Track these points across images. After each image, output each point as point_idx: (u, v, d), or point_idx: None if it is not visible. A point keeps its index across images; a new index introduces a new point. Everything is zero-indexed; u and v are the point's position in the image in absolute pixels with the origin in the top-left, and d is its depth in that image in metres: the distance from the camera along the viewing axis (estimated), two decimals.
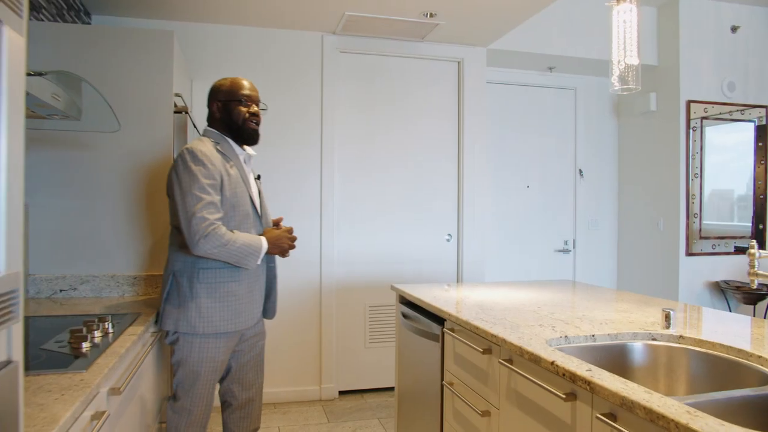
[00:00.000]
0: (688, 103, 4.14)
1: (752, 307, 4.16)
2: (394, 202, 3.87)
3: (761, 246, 4.32)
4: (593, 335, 1.64)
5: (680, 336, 1.63)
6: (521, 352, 1.48)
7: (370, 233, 3.84)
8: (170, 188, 1.96)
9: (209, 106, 2.10)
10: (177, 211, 1.88)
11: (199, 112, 3.48)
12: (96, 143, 2.41)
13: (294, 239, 2.13)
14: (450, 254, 4.00)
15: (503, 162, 4.48)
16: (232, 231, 1.91)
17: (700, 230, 4.19)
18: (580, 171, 4.68)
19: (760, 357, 1.40)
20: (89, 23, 3.28)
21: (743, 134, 4.32)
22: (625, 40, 1.99)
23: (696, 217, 4.18)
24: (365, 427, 3.24)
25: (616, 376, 1.21)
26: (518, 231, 4.53)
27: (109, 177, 2.43)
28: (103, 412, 1.24)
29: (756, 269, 1.32)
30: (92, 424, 1.21)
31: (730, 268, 4.28)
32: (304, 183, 3.68)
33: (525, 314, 1.96)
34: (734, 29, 4.23)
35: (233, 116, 2.04)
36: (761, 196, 4.33)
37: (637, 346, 1.63)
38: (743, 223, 4.33)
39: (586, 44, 4.16)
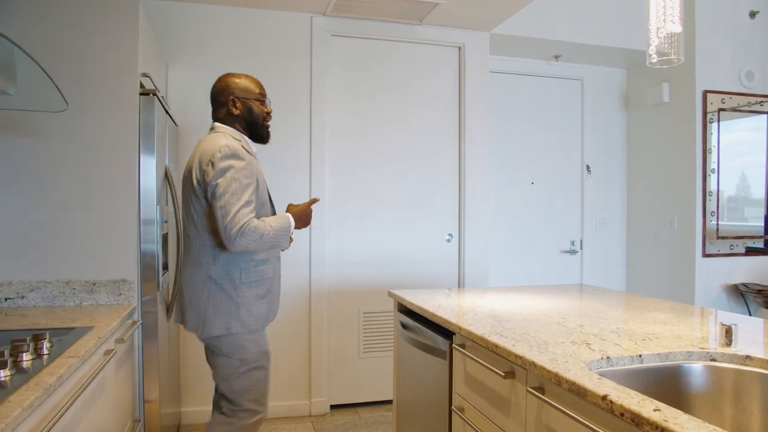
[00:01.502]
0: (705, 93, 3.86)
1: None
2: (390, 199, 3.56)
3: None
4: (640, 355, 1.33)
5: (747, 356, 1.33)
6: (558, 380, 1.17)
7: (365, 232, 3.52)
8: (202, 188, 1.90)
9: (222, 100, 2.02)
10: (215, 211, 1.85)
11: (176, 99, 3.15)
12: (44, 126, 2.07)
13: (310, 206, 2.13)
14: (451, 255, 3.69)
15: (506, 156, 4.18)
16: (261, 219, 1.90)
17: (718, 230, 3.91)
18: (588, 167, 4.39)
19: None
20: None
21: (762, 126, 4.04)
22: (666, 3, 1.69)
23: (713, 216, 3.90)
24: None
25: (699, 421, 0.90)
26: (522, 230, 4.23)
27: (61, 165, 2.10)
28: None
29: None
30: None
31: (749, 269, 4.01)
32: (292, 178, 3.35)
33: (550, 327, 1.66)
34: (753, 14, 3.96)
35: (254, 114, 2.06)
36: None
37: (696, 369, 1.33)
38: (756, 223, 4.06)
39: (593, 30, 3.88)
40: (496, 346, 1.44)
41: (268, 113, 2.12)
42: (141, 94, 2.21)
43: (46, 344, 1.43)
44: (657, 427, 0.90)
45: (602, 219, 4.43)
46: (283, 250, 2.08)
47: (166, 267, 2.52)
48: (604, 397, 1.03)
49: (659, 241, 4.17)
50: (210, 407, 3.09)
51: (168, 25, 3.15)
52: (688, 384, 1.33)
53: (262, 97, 2.08)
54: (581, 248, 4.39)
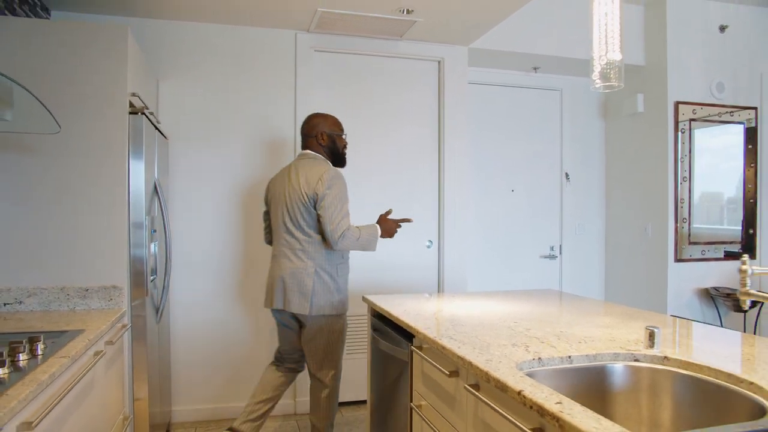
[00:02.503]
0: (677, 104, 4.02)
1: (743, 315, 4.05)
2: (373, 208, 3.72)
3: (751, 251, 4.21)
4: (569, 356, 1.49)
5: (665, 357, 1.49)
6: (488, 378, 1.33)
7: None
8: (312, 201, 2.50)
9: (313, 134, 2.67)
10: (323, 219, 2.46)
11: (167, 114, 3.32)
12: (40, 145, 2.24)
13: (398, 223, 2.72)
14: (431, 261, 3.85)
15: (487, 165, 4.34)
16: (358, 228, 2.55)
17: (689, 235, 4.07)
18: (567, 174, 4.55)
19: (751, 383, 1.26)
20: (47, 19, 3.11)
21: (732, 136, 4.20)
22: (607, 34, 1.86)
23: (685, 222, 4.06)
24: None
25: (590, 412, 1.06)
26: (503, 236, 4.39)
27: (56, 181, 2.26)
28: None
29: (748, 288, 1.18)
30: None
31: (721, 274, 4.16)
32: None
33: (499, 330, 1.82)
34: (722, 29, 4.12)
35: (336, 145, 2.71)
36: (751, 200, 4.22)
37: (618, 369, 1.49)
38: (733, 227, 4.22)
39: (570, 44, 4.03)
40: (444, 347, 1.61)
41: (345, 145, 2.75)
42: (130, 113, 2.37)
43: (40, 346, 1.60)
44: (554, 417, 1.06)
45: (581, 225, 4.59)
46: (372, 251, 2.68)
47: (155, 272, 2.68)
48: (519, 392, 1.19)
49: (635, 247, 4.33)
50: (199, 406, 3.27)
51: (159, 42, 3.31)
52: (612, 382, 1.49)
53: (341, 132, 2.71)
54: (560, 253, 4.55)
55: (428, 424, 1.74)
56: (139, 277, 2.42)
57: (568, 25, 4.02)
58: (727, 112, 4.15)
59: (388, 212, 2.74)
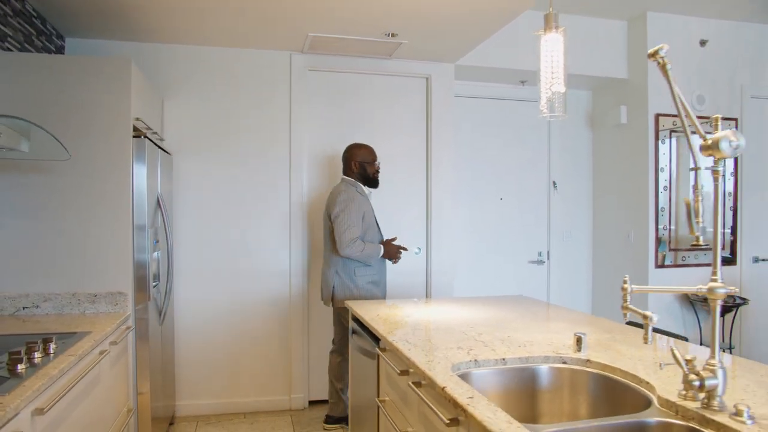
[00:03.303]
0: (657, 116, 4.19)
1: (721, 319, 4.20)
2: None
3: (733, 256, 4.36)
4: (504, 359, 1.72)
5: (588, 360, 1.70)
6: (424, 376, 1.57)
7: None
8: (331, 217, 3.16)
9: (349, 162, 3.31)
10: (334, 231, 3.13)
11: (171, 131, 3.59)
12: (54, 168, 2.52)
13: (400, 251, 3.33)
14: (420, 266, 4.08)
15: (476, 174, 4.55)
16: (364, 242, 3.15)
17: (670, 242, 4.24)
18: (554, 183, 4.74)
19: (648, 383, 1.48)
20: (62, 46, 3.41)
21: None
22: (552, 69, 2.07)
23: (665, 230, 4.22)
24: None
25: (492, 405, 1.29)
26: (492, 242, 4.60)
27: (68, 198, 2.54)
28: None
29: (628, 303, 1.40)
30: None
31: (701, 280, 4.31)
32: (274, 199, 3.78)
33: (454, 335, 2.04)
34: (703, 43, 4.28)
35: (367, 171, 3.31)
36: (731, 208, 4.37)
37: (544, 370, 1.71)
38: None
39: None
40: (397, 349, 1.84)
41: (377, 170, 3.35)
42: (134, 136, 2.64)
43: (53, 345, 1.86)
44: (463, 409, 1.29)
45: (568, 232, 4.78)
46: (370, 264, 3.27)
47: (158, 279, 2.95)
48: (443, 388, 1.42)
49: (619, 253, 4.51)
50: (202, 401, 3.53)
51: (164, 65, 3.59)
52: (540, 381, 1.71)
53: (373, 161, 3.32)
54: (548, 259, 4.74)
55: (388, 417, 1.97)
56: (142, 283, 2.69)
57: None
58: (706, 123, 4.30)
59: (393, 239, 3.33)
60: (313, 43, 3.57)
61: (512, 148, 4.64)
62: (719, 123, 1.36)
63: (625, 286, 1.36)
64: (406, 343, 1.90)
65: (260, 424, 3.53)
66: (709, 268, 4.43)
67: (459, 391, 1.39)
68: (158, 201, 2.98)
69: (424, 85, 4.09)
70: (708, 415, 1.23)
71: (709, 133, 1.34)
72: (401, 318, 2.38)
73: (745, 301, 4.07)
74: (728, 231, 4.42)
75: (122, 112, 2.59)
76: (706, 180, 1.35)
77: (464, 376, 1.63)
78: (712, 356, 1.27)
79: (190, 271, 3.63)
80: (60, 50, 3.37)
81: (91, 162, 2.56)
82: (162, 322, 3.08)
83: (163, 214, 3.02)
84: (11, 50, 2.70)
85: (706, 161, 1.40)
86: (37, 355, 1.77)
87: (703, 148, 1.36)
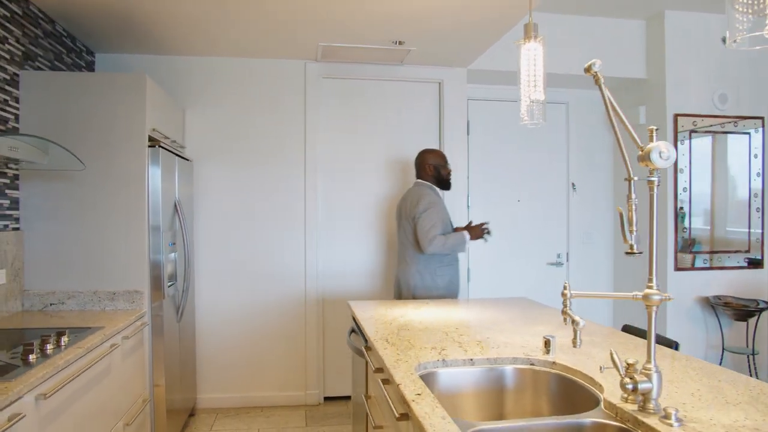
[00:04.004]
0: (675, 116, 4.11)
1: (744, 323, 4.09)
2: (379, 221, 4.07)
3: (762, 258, 4.23)
4: (471, 359, 1.79)
5: (553, 362, 1.75)
6: (389, 375, 1.66)
7: (357, 249, 4.05)
8: (412, 219, 3.27)
9: (422, 166, 3.40)
10: (417, 232, 3.22)
11: (192, 138, 3.81)
12: (76, 176, 2.74)
13: (482, 226, 3.35)
14: None
15: (492, 176, 4.57)
16: (445, 236, 3.21)
17: (691, 245, 4.15)
18: (573, 184, 4.70)
19: (600, 385, 1.52)
20: (92, 61, 3.67)
21: (737, 147, 4.23)
22: (534, 77, 2.11)
23: (685, 232, 4.14)
24: None
25: (436, 402, 1.37)
26: (509, 244, 4.61)
27: (89, 204, 2.77)
28: (18, 414, 1.52)
29: (567, 308, 1.44)
30: (9, 424, 1.49)
31: (725, 282, 4.21)
32: (290, 202, 3.94)
33: (435, 335, 2.12)
34: (724, 40, 4.15)
35: (441, 174, 3.41)
36: (757, 209, 4.23)
37: (508, 370, 1.77)
38: (738, 237, 4.25)
39: (569, 61, 4.20)
40: (374, 348, 1.94)
41: (449, 172, 3.43)
42: (149, 146, 2.84)
43: (64, 339, 2.06)
44: (408, 404, 1.38)
45: (588, 233, 4.73)
46: (462, 251, 3.37)
47: (175, 279, 3.16)
48: (398, 385, 1.51)
49: (639, 255, 4.43)
50: (222, 394, 3.73)
51: (184, 76, 3.81)
52: (505, 381, 1.77)
53: (445, 164, 3.41)
54: (567, 260, 4.71)
55: (370, 412, 2.07)
56: (157, 282, 2.89)
57: (563, 43, 4.20)
58: (730, 122, 4.19)
59: (470, 222, 3.43)
60: (324, 52, 3.70)
61: (529, 151, 4.64)
62: (654, 134, 1.39)
63: (565, 291, 1.41)
64: (384, 343, 2.00)
65: (276, 417, 3.69)
66: (734, 271, 4.33)
67: (410, 388, 1.47)
68: (175, 206, 3.18)
69: (436, 90, 4.16)
70: (640, 417, 1.27)
71: (736, 133, 1.38)
72: (393, 318, 2.47)
73: None
74: (756, 232, 4.28)
75: (138, 123, 2.80)
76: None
77: (429, 375, 1.71)
78: (648, 360, 1.31)
79: (211, 272, 3.84)
80: (90, 65, 3.63)
81: (110, 170, 2.78)
82: (180, 319, 3.28)
83: (180, 218, 3.22)
84: (42, 69, 2.96)
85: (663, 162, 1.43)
86: (50, 347, 1.97)
87: (639, 159, 1.40)
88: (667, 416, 1.24)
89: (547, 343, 1.83)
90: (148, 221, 2.84)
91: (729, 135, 4.21)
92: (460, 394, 1.75)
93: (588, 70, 1.40)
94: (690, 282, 4.15)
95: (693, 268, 4.15)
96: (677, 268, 4.13)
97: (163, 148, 2.93)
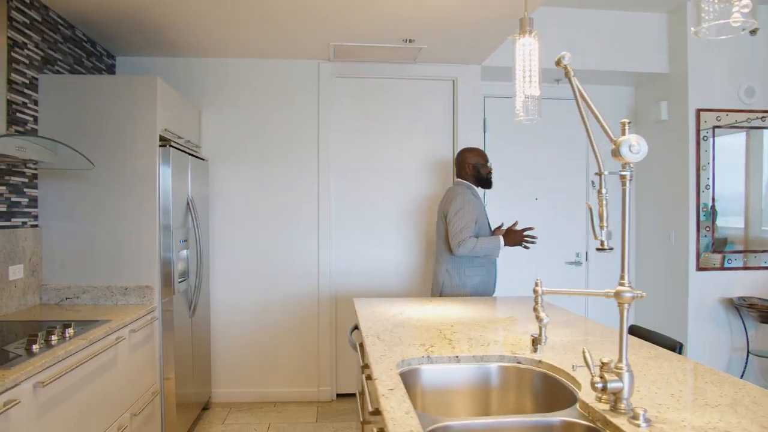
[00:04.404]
0: (698, 111, 3.97)
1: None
2: (392, 218, 4.08)
3: None
4: (457, 356, 1.78)
5: (540, 361, 1.73)
6: (370, 371, 1.67)
7: (368, 248, 4.07)
8: (445, 218, 3.20)
9: (462, 165, 3.32)
10: (448, 231, 3.14)
11: (209, 137, 3.90)
12: (89, 175, 2.85)
13: (523, 232, 3.16)
14: None
15: (510, 175, 4.52)
16: (477, 238, 3.10)
17: (713, 244, 4.01)
18: (593, 182, 4.60)
19: (580, 384, 1.50)
20: (113, 65, 3.80)
21: (751, 142, 4.06)
22: (529, 72, 2.09)
23: (708, 231, 4.00)
24: (346, 428, 3.48)
25: (405, 399, 1.38)
26: None
27: (103, 202, 2.87)
28: (13, 400, 1.60)
29: (538, 305, 1.42)
30: (3, 408, 1.57)
31: (754, 283, 4.04)
32: (303, 202, 3.99)
33: (428, 332, 2.12)
34: (753, 32, 3.99)
35: (481, 173, 3.31)
36: None
37: (493, 368, 1.76)
38: (753, 235, 4.08)
39: (590, 56, 4.12)
40: (363, 344, 1.95)
41: (489, 171, 3.32)
42: (160, 145, 2.93)
43: (70, 331, 2.15)
44: (378, 399, 1.39)
45: (608, 232, 4.61)
46: (496, 257, 3.22)
47: (187, 275, 3.24)
48: (375, 380, 1.52)
49: (660, 255, 4.31)
50: (236, 389, 3.80)
51: (200, 77, 3.90)
52: (490, 378, 1.76)
53: (484, 162, 3.32)
54: (586, 260, 4.62)
55: (360, 407, 2.09)
56: (167, 278, 2.98)
57: (582, 39, 4.11)
58: (758, 118, 4.03)
59: (514, 224, 3.25)
60: (337, 51, 3.74)
61: (547, 148, 4.56)
62: (626, 127, 1.36)
63: (537, 288, 1.39)
64: (375, 339, 2.01)
65: (288, 413, 3.75)
66: (761, 272, 4.17)
67: (385, 383, 1.48)
68: (188, 204, 3.27)
69: (450, 88, 4.14)
70: (609, 417, 1.25)
71: (765, 128, 1.35)
72: (392, 315, 2.48)
73: None
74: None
75: (149, 123, 2.89)
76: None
77: (412, 372, 1.72)
78: (620, 360, 1.29)
79: (226, 269, 3.92)
80: (111, 69, 3.76)
81: (122, 169, 2.87)
82: (193, 315, 3.37)
83: (193, 216, 3.31)
84: (62, 72, 3.08)
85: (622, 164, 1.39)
86: (54, 338, 2.05)
87: (612, 153, 1.37)
88: (635, 416, 1.21)
89: (534, 342, 1.80)
90: (159, 219, 2.93)
91: (765, 131, 4.04)
92: (444, 391, 1.75)
93: (558, 63, 1.38)
94: (714, 282, 4.01)
95: (723, 268, 4.00)
96: (699, 268, 3.99)
97: (173, 147, 3.01)
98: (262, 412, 3.74)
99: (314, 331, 3.99)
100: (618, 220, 4.64)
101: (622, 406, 1.27)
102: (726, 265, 4.04)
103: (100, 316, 2.54)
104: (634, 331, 2.44)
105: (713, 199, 4.00)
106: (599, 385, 1.26)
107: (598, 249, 1.32)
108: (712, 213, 4.05)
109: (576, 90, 1.38)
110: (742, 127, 4.02)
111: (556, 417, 1.32)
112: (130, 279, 2.90)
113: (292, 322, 3.97)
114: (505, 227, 3.30)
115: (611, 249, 1.36)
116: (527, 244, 3.17)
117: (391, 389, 1.44)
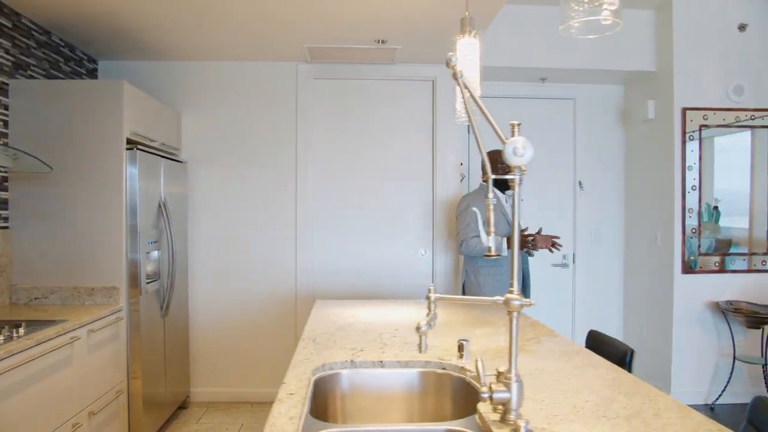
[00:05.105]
0: (684, 110, 3.87)
1: (758, 331, 3.80)
2: (372, 219, 4.06)
3: None
4: (382, 361, 1.77)
5: (462, 367, 1.71)
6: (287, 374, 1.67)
7: (348, 249, 4.07)
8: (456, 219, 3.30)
9: (482, 169, 3.31)
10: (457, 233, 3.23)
11: (188, 140, 3.94)
12: (59, 178, 2.91)
13: (526, 238, 3.15)
14: (425, 268, 4.11)
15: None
16: (478, 240, 3.07)
17: (699, 246, 3.90)
18: (580, 183, 4.53)
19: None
20: (95, 69, 3.87)
21: (756, 141, 3.94)
22: (468, 73, 2.05)
23: (694, 233, 3.89)
24: None
25: (294, 404, 1.37)
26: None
27: (72, 205, 2.93)
28: None
29: (430, 312, 1.40)
30: None
31: (739, 287, 3.93)
32: (281, 202, 4.00)
33: (368, 336, 2.11)
34: (742, 28, 3.88)
35: (499, 173, 3.13)
36: None
37: (413, 374, 1.74)
38: (740, 234, 3.96)
39: (575, 55, 4.04)
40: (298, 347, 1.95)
41: (506, 172, 3.11)
42: (127, 149, 2.97)
43: (20, 330, 2.19)
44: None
45: (596, 234, 4.54)
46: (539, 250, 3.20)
47: (158, 276, 3.28)
48: (283, 384, 1.52)
49: (647, 257, 4.22)
50: (215, 389, 3.84)
51: (182, 80, 3.95)
52: (413, 383, 1.74)
53: (495, 163, 3.18)
54: (573, 262, 4.54)
55: None
56: (134, 280, 3.02)
57: (570, 36, 4.03)
58: (748, 117, 3.91)
59: (539, 230, 3.20)
60: (312, 53, 3.74)
61: (534, 148, 4.48)
62: (516, 129, 1.33)
63: (430, 295, 1.37)
64: (310, 342, 2.00)
65: (262, 413, 3.77)
66: (751, 275, 4.05)
67: (288, 388, 1.48)
68: (160, 206, 3.31)
69: (430, 88, 4.11)
70: (494, 428, 1.23)
71: (755, 127, 1.32)
72: (343, 318, 2.47)
73: None
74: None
75: (115, 127, 2.93)
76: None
77: (332, 376, 1.71)
78: (509, 370, 1.26)
79: (206, 270, 3.96)
80: (92, 73, 3.83)
81: (90, 172, 2.92)
82: (166, 315, 3.41)
83: (165, 218, 3.35)
84: (36, 77, 3.15)
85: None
86: (1, 338, 2.10)
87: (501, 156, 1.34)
88: (516, 429, 1.18)
89: (460, 347, 1.78)
90: (126, 221, 2.97)
91: (747, 130, 3.92)
92: (366, 396, 1.73)
93: (447, 64, 1.36)
94: (700, 286, 3.90)
95: (723, 270, 3.90)
96: (685, 271, 3.89)
97: (141, 150, 3.05)
98: (238, 412, 3.77)
99: (292, 330, 4.00)
100: (605, 220, 4.55)
101: (511, 417, 1.24)
102: (729, 267, 3.93)
103: (64, 316, 2.59)
104: (592, 336, 2.39)
105: (702, 201, 3.90)
106: (485, 395, 1.24)
107: (486, 255, 1.28)
108: (713, 214, 3.94)
109: (462, 87, 1.36)
110: (729, 126, 3.91)
111: (443, 426, 1.30)
112: (97, 280, 2.95)
113: (270, 321, 3.99)
114: (543, 231, 3.26)
115: (498, 255, 1.33)
116: (531, 251, 3.17)
117: (291, 394, 1.43)
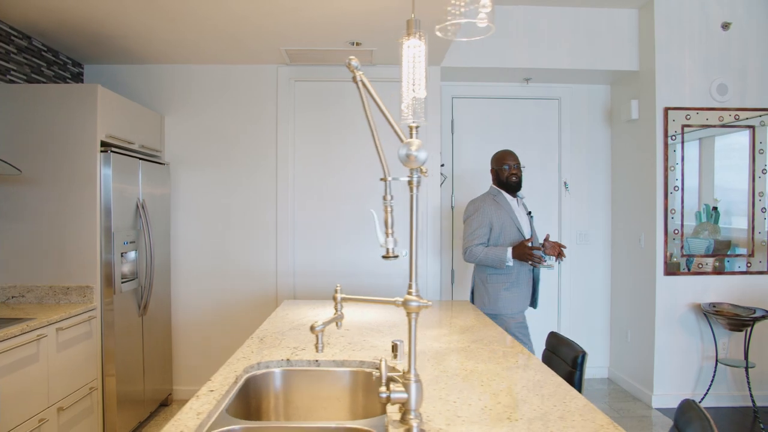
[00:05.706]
0: (666, 110, 3.83)
1: (741, 333, 3.74)
2: (351, 221, 4.09)
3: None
4: (317, 360, 1.79)
5: (393, 367, 1.72)
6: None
7: (330, 250, 4.10)
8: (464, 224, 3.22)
9: (491, 172, 3.30)
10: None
11: (171, 142, 4.00)
12: (37, 179, 2.98)
13: (531, 249, 2.94)
14: (406, 270, 4.12)
15: (480, 175, 4.46)
16: (486, 246, 3.04)
17: (682, 247, 3.86)
18: (565, 183, 4.50)
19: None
20: (80, 73, 3.96)
21: (738, 141, 3.88)
22: (413, 75, 2.07)
23: (676, 234, 3.85)
24: None
25: (208, 401, 1.40)
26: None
27: (46, 206, 3.00)
28: None
29: (338, 312, 1.41)
30: None
31: (723, 289, 3.87)
32: (262, 202, 4.05)
33: (329, 337, 2.13)
34: (725, 26, 3.83)
35: (501, 176, 3.20)
36: (762, 209, 3.86)
37: (344, 373, 1.76)
38: (738, 235, 3.89)
39: (560, 55, 4.03)
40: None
41: (509, 174, 3.17)
42: (101, 151, 3.04)
43: None
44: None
45: (583, 234, 4.51)
46: (501, 268, 3.04)
47: (135, 276, 3.35)
48: (209, 381, 1.55)
49: (632, 258, 4.18)
50: (196, 386, 3.88)
51: (165, 83, 4.01)
52: (344, 382, 1.76)
53: (502, 165, 3.20)
54: (560, 263, 4.50)
55: None
56: (109, 279, 3.08)
57: (552, 37, 4.02)
58: (731, 116, 3.85)
59: (546, 237, 3.11)
60: (291, 55, 3.78)
61: (518, 148, 4.45)
62: (414, 131, 1.35)
63: (336, 295, 1.39)
64: (257, 341, 2.04)
65: None
66: (735, 277, 4.01)
67: (210, 385, 1.51)
68: (138, 207, 3.37)
69: None
70: (391, 427, 1.24)
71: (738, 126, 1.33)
72: (302, 318, 2.50)
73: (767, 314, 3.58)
74: (764, 233, 3.90)
75: (89, 129, 3.00)
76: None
77: (266, 375, 1.74)
78: (408, 370, 1.27)
79: (188, 270, 4.03)
80: (77, 77, 3.91)
81: (65, 174, 3.00)
82: (144, 314, 3.47)
83: (143, 219, 3.41)
84: (17, 82, 3.23)
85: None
86: None
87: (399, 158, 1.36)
88: (409, 429, 1.20)
89: (394, 348, 1.79)
90: (100, 221, 3.04)
91: (730, 129, 3.86)
92: (300, 394, 1.76)
93: (348, 66, 1.39)
94: (682, 287, 3.86)
95: (685, 272, 3.85)
96: (668, 273, 3.85)
97: (116, 152, 3.11)
98: None
99: None
100: (592, 221, 4.52)
101: (410, 417, 1.26)
102: (727, 269, 3.87)
103: (36, 314, 2.66)
104: (551, 338, 2.39)
105: (685, 201, 3.85)
106: (383, 395, 1.25)
107: (384, 257, 1.30)
108: (713, 214, 3.89)
109: (360, 86, 1.38)
110: (714, 126, 3.85)
111: (348, 424, 1.32)
112: (72, 279, 3.01)
113: (251, 320, 4.04)
114: (551, 239, 3.11)
115: (396, 257, 1.34)
116: (535, 262, 2.94)
117: (211, 391, 1.47)
